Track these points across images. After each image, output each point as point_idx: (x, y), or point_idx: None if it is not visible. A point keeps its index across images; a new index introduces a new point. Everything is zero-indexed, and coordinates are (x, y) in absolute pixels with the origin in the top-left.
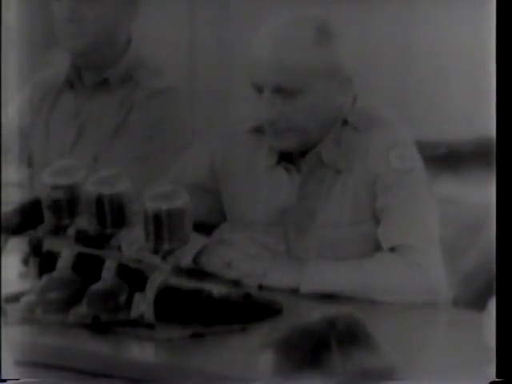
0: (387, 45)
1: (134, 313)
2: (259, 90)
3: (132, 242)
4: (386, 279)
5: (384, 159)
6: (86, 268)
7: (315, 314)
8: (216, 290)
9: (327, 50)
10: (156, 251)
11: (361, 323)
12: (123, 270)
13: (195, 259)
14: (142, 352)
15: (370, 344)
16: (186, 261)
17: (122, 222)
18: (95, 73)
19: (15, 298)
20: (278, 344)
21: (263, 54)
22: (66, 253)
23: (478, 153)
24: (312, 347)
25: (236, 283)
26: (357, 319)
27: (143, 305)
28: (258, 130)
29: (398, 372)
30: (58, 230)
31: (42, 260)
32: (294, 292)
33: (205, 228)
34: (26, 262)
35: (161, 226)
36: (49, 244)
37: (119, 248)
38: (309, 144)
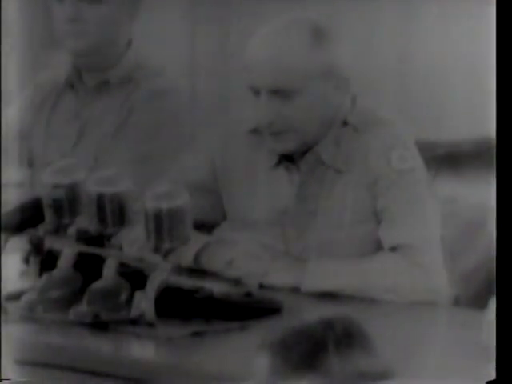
0: (387, 45)
1: (135, 311)
2: (256, 92)
3: (133, 241)
4: (387, 278)
5: (384, 159)
6: (87, 267)
7: (312, 315)
8: (216, 288)
9: (323, 50)
10: (157, 250)
11: (358, 324)
12: (124, 269)
13: (196, 258)
14: (142, 350)
15: (367, 345)
16: (187, 260)
17: (122, 221)
18: (96, 73)
19: (16, 296)
20: (275, 346)
21: (259, 56)
22: (67, 252)
23: (477, 153)
24: (309, 349)
25: (236, 282)
26: (354, 321)
27: (144, 303)
28: (258, 131)
29: (396, 373)
30: (58, 229)
31: (42, 259)
32: (295, 291)
33: (205, 227)
34: (26, 260)
35: (161, 225)
36: (49, 243)
37: (120, 247)
38: (308, 145)
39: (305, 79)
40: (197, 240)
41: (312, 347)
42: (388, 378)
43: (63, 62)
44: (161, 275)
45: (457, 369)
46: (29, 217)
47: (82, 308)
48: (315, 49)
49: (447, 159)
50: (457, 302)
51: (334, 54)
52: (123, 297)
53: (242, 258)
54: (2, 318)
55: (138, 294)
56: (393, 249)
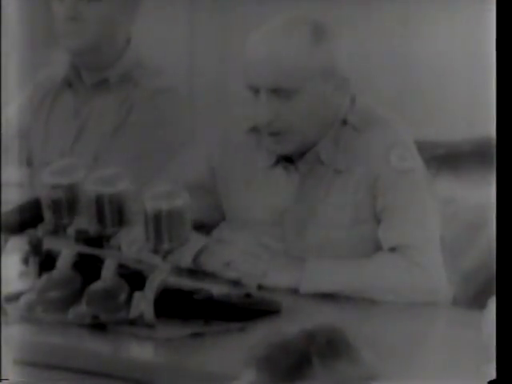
0: (386, 45)
1: (134, 312)
2: (255, 91)
3: (132, 242)
4: (386, 279)
5: (384, 159)
6: (86, 267)
7: (295, 328)
8: (215, 289)
9: (323, 50)
10: (156, 251)
11: (341, 333)
12: (123, 270)
13: (195, 259)
14: (141, 351)
15: (352, 355)
16: (186, 260)
17: (121, 222)
18: (95, 72)
19: (15, 297)
20: (259, 361)
21: (259, 55)
22: (66, 252)
23: (477, 153)
24: (293, 362)
25: (235, 283)
26: (337, 330)
27: (143, 304)
28: (257, 130)
29: (396, 373)
30: (57, 230)
31: (41, 259)
32: (294, 292)
33: (204, 227)
34: (25, 261)
35: (160, 226)
36: (49, 243)
37: (119, 248)
38: (307, 145)
39: (304, 79)
40: (196, 241)
41: (296, 360)
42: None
43: (62, 60)
44: (160, 276)
45: (457, 369)
46: (28, 217)
47: (81, 309)
48: (315, 48)
49: (447, 159)
50: (456, 302)
51: (334, 54)
52: (122, 297)
53: (240, 258)
54: (2, 318)
55: (137, 295)
56: (392, 249)
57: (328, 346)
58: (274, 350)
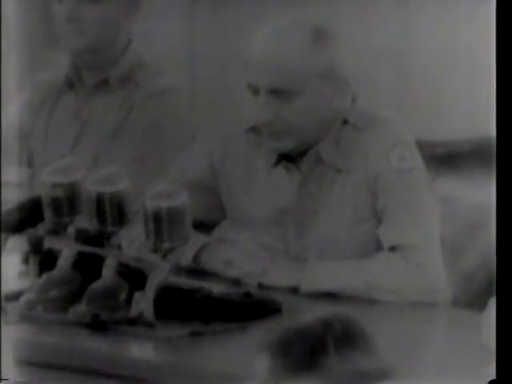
0: (387, 45)
1: (134, 311)
2: (255, 91)
3: (132, 241)
4: (387, 279)
5: (385, 159)
6: (86, 266)
7: (310, 315)
8: (216, 288)
9: (323, 52)
10: (156, 250)
11: (357, 324)
12: (123, 269)
13: (195, 258)
14: (141, 350)
15: (366, 345)
16: (186, 259)
17: (122, 221)
18: (95, 73)
19: (15, 296)
20: (274, 347)
21: (260, 55)
22: (66, 251)
23: (478, 153)
24: (308, 349)
25: (236, 282)
26: (353, 320)
27: (143, 303)
28: (257, 129)
29: (396, 373)
30: (57, 229)
31: (41, 258)
32: (294, 291)
33: (205, 226)
34: (25, 260)
35: (161, 225)
36: (49, 242)
37: (119, 247)
38: (306, 145)
39: (305, 80)
40: (196, 240)
41: (311, 347)
42: (388, 378)
43: (63, 61)
44: (160, 275)
45: (457, 369)
46: (28, 216)
47: (81, 308)
48: (316, 50)
49: (447, 159)
50: (456, 302)
51: (335, 56)
52: (122, 297)
53: (241, 257)
54: (2, 318)
55: (137, 294)
56: (392, 248)
57: (344, 335)
58: (290, 335)
